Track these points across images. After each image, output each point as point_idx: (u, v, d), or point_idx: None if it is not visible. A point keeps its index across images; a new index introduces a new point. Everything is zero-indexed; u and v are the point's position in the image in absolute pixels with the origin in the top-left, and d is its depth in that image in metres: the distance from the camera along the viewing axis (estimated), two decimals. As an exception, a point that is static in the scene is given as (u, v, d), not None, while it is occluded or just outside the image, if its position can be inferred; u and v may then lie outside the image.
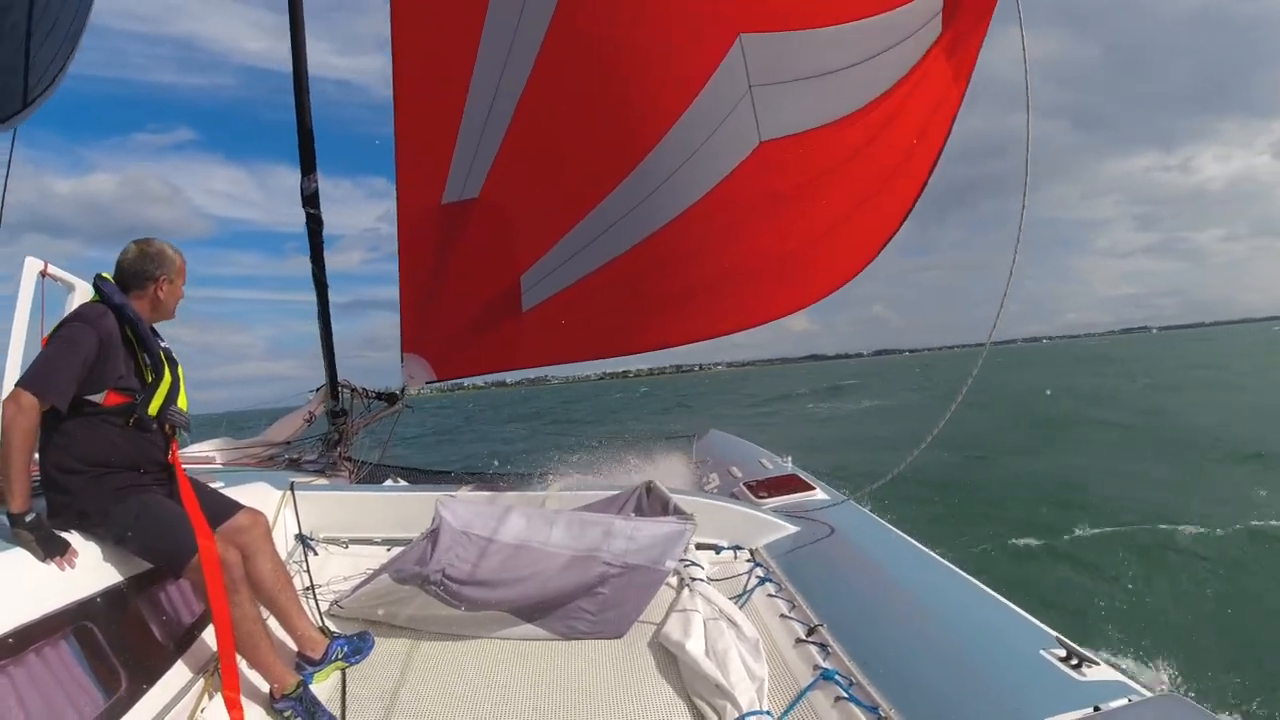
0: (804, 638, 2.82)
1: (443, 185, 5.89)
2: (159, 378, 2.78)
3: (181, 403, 2.93)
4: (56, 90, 3.75)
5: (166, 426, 2.88)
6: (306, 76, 5.23)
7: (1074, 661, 2.25)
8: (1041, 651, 2.34)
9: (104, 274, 2.87)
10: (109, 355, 2.63)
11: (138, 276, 2.87)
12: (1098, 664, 2.25)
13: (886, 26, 4.69)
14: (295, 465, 5.79)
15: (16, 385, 2.46)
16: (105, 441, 2.66)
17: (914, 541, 3.72)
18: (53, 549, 2.41)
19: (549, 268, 6.08)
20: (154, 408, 2.76)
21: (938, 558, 3.49)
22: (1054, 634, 2.48)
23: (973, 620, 2.74)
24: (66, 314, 3.86)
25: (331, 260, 5.90)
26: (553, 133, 5.45)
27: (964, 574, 3.19)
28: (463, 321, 6.59)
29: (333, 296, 6.05)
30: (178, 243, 2.95)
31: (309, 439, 6.49)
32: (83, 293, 4.04)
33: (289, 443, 6.32)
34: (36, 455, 2.57)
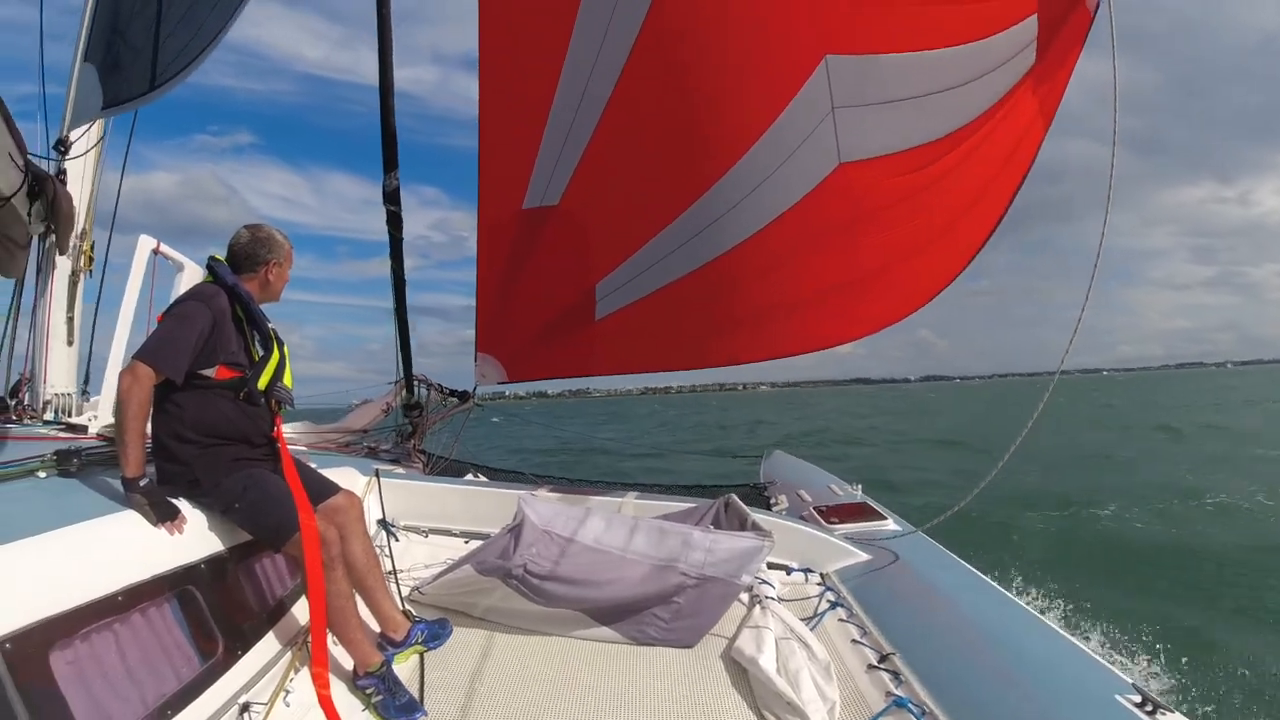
0: (876, 664, 2.79)
1: (524, 190, 5.98)
2: (268, 354, 2.91)
3: (287, 380, 3.07)
4: (187, 77, 3.90)
5: (273, 402, 3.01)
6: (392, 79, 5.32)
7: (1149, 708, 2.20)
8: (1117, 696, 2.30)
9: (216, 255, 3.00)
10: (221, 332, 2.76)
11: (249, 259, 3.00)
12: (1171, 711, 2.20)
13: (978, 54, 4.63)
14: (372, 453, 5.93)
15: (134, 357, 2.59)
16: (216, 413, 2.78)
17: (986, 578, 3.67)
18: (164, 514, 2.53)
19: (624, 278, 6.12)
20: (263, 382, 2.89)
21: (1011, 596, 3.45)
22: (1129, 680, 2.44)
23: (1047, 659, 2.70)
24: (175, 290, 4.06)
25: (383, 266, 6.04)
26: (635, 145, 5.49)
27: (1036, 614, 3.15)
28: (536, 326, 6.67)
29: (380, 302, 6.18)
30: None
31: (385, 429, 6.65)
32: (190, 271, 4.23)
33: (366, 431, 6.49)
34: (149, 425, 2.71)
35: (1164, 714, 2.18)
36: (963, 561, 3.95)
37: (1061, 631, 2.95)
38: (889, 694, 2.57)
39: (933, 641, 2.94)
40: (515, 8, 5.22)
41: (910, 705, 2.44)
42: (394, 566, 3.78)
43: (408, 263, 5.83)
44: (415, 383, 6.60)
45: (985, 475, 3.83)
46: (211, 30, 3.69)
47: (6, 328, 4.22)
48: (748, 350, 6.38)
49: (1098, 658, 2.69)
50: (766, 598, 3.32)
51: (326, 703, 2.47)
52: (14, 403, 4.14)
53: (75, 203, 4.11)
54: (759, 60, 4.91)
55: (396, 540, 4.10)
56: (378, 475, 4.31)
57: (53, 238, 4.05)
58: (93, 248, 4.45)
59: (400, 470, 4.94)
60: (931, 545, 4.20)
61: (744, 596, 3.43)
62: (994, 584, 3.58)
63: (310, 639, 2.62)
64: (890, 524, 4.51)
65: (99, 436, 3.59)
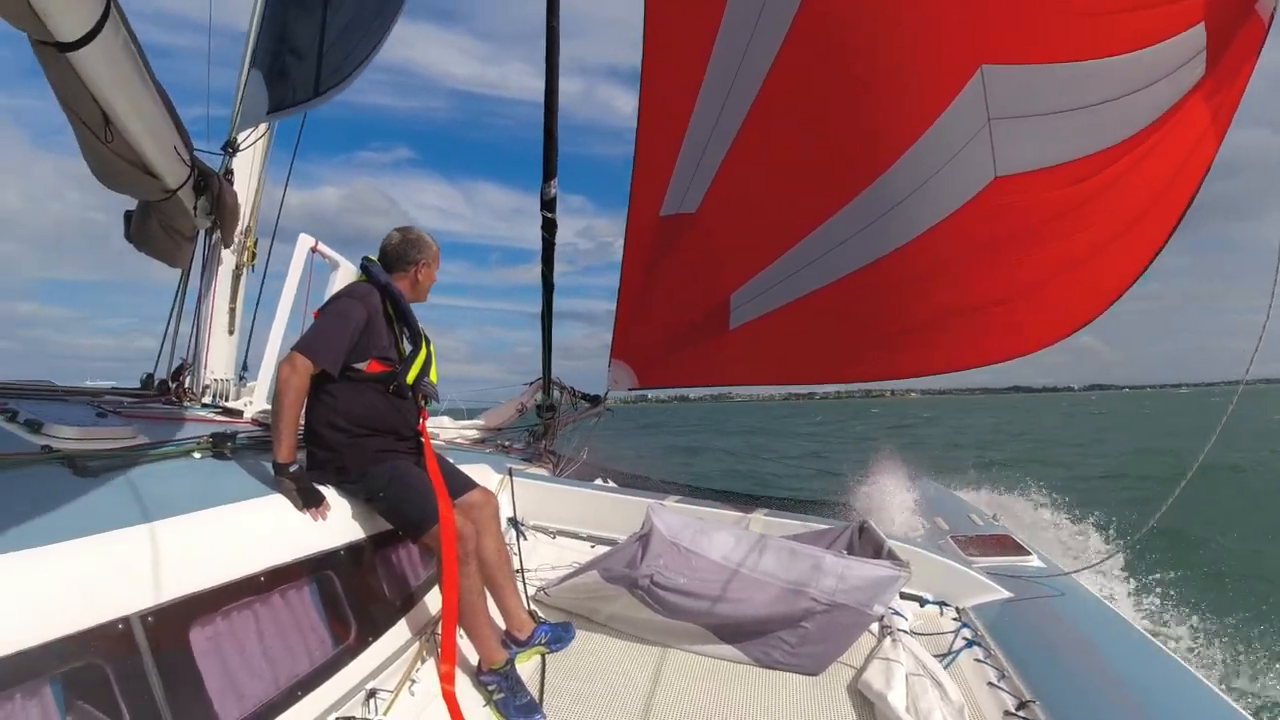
0: (1013, 711, 2.60)
1: (662, 197, 5.98)
2: (416, 350, 3.02)
3: (433, 376, 3.17)
4: (350, 84, 4.07)
5: (420, 396, 3.12)
6: (557, 90, 5.42)
7: None
8: None
9: (370, 256, 3.13)
10: (374, 328, 2.88)
11: (400, 260, 3.11)
12: None
13: (1140, 64, 4.35)
14: (504, 452, 6.02)
15: (293, 350, 2.73)
16: (367, 405, 2.89)
17: (1140, 628, 3.36)
18: (310, 500, 2.62)
19: (761, 288, 6.04)
20: (411, 377, 2.99)
21: (1165, 649, 3.13)
22: None
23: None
24: (330, 286, 4.24)
25: (531, 272, 6.17)
26: (777, 153, 5.41)
27: (1194, 670, 2.84)
28: (670, 333, 6.67)
29: (526, 306, 6.30)
30: None
31: (518, 429, 6.77)
32: (345, 270, 4.40)
33: (500, 429, 6.61)
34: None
35: None
36: (1118, 610, 3.65)
37: (1222, 695, 2.62)
38: None
39: (1077, 692, 2.69)
40: (674, 17, 5.24)
41: None
42: (521, 565, 3.80)
43: (555, 269, 5.95)
44: (552, 385, 6.69)
45: (1158, 508, 3.49)
46: (370, 42, 3.82)
47: (172, 314, 4.50)
48: (887, 367, 6.19)
49: None
50: (898, 630, 3.15)
51: (449, 696, 2.48)
52: (174, 385, 4.40)
53: (240, 201, 4.34)
54: (908, 70, 4.77)
55: (525, 539, 4.13)
56: (510, 474, 4.36)
57: (218, 233, 4.30)
58: (255, 244, 4.71)
59: (532, 470, 4.99)
60: (1082, 589, 3.89)
61: (874, 626, 3.27)
62: (1150, 637, 3.27)
63: (440, 631, 2.66)
64: (1034, 560, 4.21)
65: (253, 421, 3.78)
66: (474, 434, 6.29)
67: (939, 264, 5.37)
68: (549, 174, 5.58)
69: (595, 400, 7.08)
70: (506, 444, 6.39)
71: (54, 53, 1.87)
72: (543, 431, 6.63)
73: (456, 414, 6.49)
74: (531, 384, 6.82)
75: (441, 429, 6.00)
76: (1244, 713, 2.50)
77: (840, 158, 5.24)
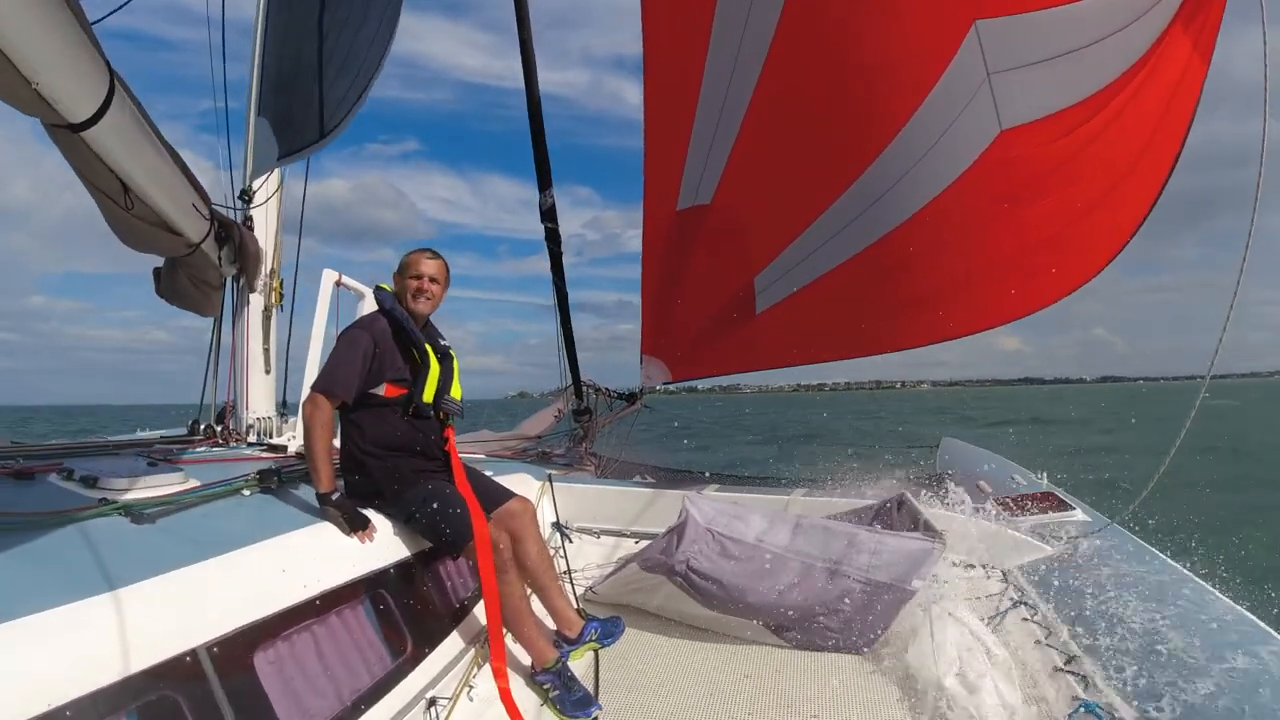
0: (1061, 667, 2.62)
1: (677, 192, 6.03)
2: (425, 367, 3.08)
3: (455, 393, 3.24)
4: (351, 121, 4.21)
5: (441, 414, 3.20)
6: (539, 103, 5.43)
7: None
8: None
9: (382, 285, 3.24)
10: (384, 352, 2.99)
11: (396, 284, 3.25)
12: None
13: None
14: (546, 459, 6.13)
15: (312, 388, 2.89)
16: (389, 429, 3.01)
17: (1190, 573, 3.33)
18: (356, 524, 2.76)
19: (782, 270, 6.05)
20: (428, 396, 3.08)
21: (1216, 592, 3.09)
22: None
23: (1253, 665, 2.41)
24: (357, 316, 4.39)
25: (540, 264, 6.15)
26: (784, 135, 5.43)
27: (1246, 612, 2.81)
28: (698, 325, 6.71)
29: (536, 299, 6.34)
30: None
31: (557, 434, 6.88)
32: (370, 300, 4.54)
33: (540, 437, 6.73)
34: (338, 442, 2.97)
35: None
36: (1161, 554, 3.60)
37: (1275, 633, 2.59)
38: (1075, 699, 2.41)
39: (1126, 643, 2.69)
40: (672, 13, 5.29)
41: (1099, 710, 2.28)
42: (568, 567, 3.91)
43: (563, 259, 5.93)
44: (584, 388, 6.77)
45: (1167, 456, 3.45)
46: (365, 77, 3.95)
47: (210, 360, 4.69)
48: (914, 334, 6.18)
49: None
50: (944, 598, 3.15)
51: (507, 697, 2.58)
52: (220, 428, 4.59)
53: (262, 244, 4.50)
54: (905, 34, 4.78)
55: (570, 542, 4.23)
56: (550, 480, 4.47)
57: (244, 278, 4.46)
58: (281, 284, 4.86)
59: (572, 474, 5.10)
60: (1126, 537, 3.86)
61: (921, 598, 3.29)
62: (1201, 581, 3.22)
63: (489, 637, 2.77)
64: (1079, 514, 4.17)
65: (297, 456, 3.93)
66: (517, 444, 6.42)
67: (953, 226, 5.36)
68: (544, 184, 5.61)
69: (632, 399, 7.14)
70: (548, 451, 6.50)
71: (67, 134, 2.00)
72: (582, 435, 6.72)
73: (480, 409, 6.57)
74: (565, 389, 6.90)
75: (482, 443, 6.12)
76: None
77: (845, 135, 5.26)
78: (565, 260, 5.88)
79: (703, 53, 5.27)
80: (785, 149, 5.49)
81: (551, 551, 4.00)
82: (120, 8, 3.67)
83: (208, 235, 3.37)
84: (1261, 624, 2.69)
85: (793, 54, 4.99)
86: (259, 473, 3.03)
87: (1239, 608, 2.87)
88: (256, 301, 4.68)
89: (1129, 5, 4.36)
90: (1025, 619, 3.06)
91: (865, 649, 3.08)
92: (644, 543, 4.11)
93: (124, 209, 2.56)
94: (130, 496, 2.48)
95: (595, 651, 3.15)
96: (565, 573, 3.84)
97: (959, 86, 4.77)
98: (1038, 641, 2.85)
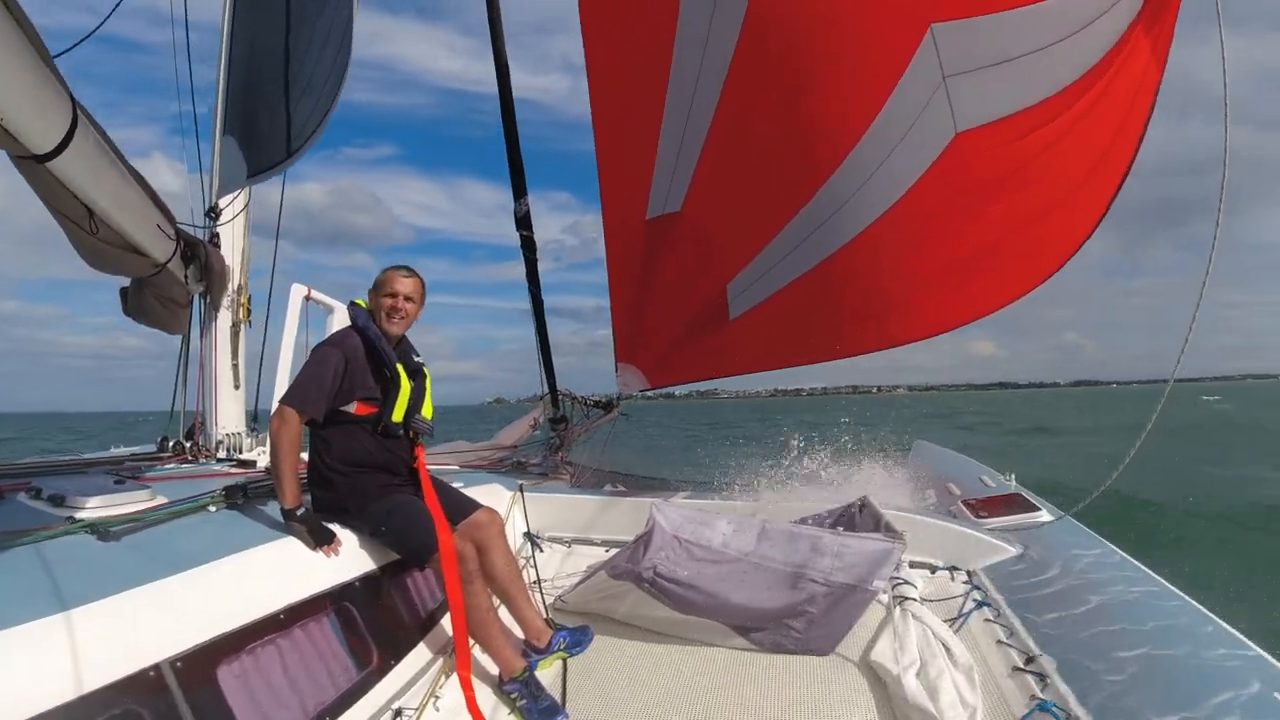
0: (1021, 666, 2.67)
1: (645, 201, 6.08)
2: (395, 387, 3.10)
3: (426, 411, 3.26)
4: (317, 141, 4.23)
5: (411, 433, 3.23)
6: (514, 112, 5.44)
7: None
8: (1277, 694, 2.12)
9: (358, 300, 3.26)
10: (355, 370, 3.01)
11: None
12: None
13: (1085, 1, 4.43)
14: (521, 468, 6.15)
15: (279, 402, 2.89)
16: (359, 446, 3.04)
17: (1146, 569, 3.41)
18: (321, 538, 2.80)
19: (753, 276, 6.10)
20: (398, 414, 3.10)
21: (1170, 586, 3.17)
22: None
23: (1206, 658, 2.47)
24: (327, 332, 4.42)
25: (516, 269, 6.16)
26: (750, 143, 5.48)
27: (1199, 605, 2.89)
28: (673, 332, 6.74)
29: (514, 304, 6.36)
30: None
31: (533, 444, 6.90)
32: (340, 313, 4.57)
33: (515, 447, 6.76)
34: (305, 456, 3.00)
35: None
36: (1118, 550, 3.66)
37: (1228, 627, 2.68)
38: (1033, 698, 2.46)
39: (1084, 641, 2.73)
40: (617, 25, 5.34)
41: (1054, 709, 2.33)
42: (538, 577, 3.95)
43: (541, 265, 5.96)
44: (560, 397, 6.80)
45: (1126, 456, 3.54)
46: (330, 94, 3.98)
47: (178, 377, 4.71)
48: (881, 337, 6.25)
49: (1268, 656, 2.43)
50: (908, 599, 3.22)
51: (473, 706, 2.63)
52: (189, 444, 4.60)
53: (229, 262, 4.53)
54: (862, 41, 4.83)
55: (541, 551, 4.28)
56: (521, 490, 4.52)
57: (210, 296, 4.49)
58: (249, 300, 4.88)
59: (543, 484, 5.13)
60: (1090, 536, 3.92)
61: (883, 598, 3.32)
62: (1156, 576, 3.29)
63: (455, 647, 2.81)
64: (1044, 515, 4.25)
65: (265, 471, 3.95)
66: (491, 455, 6.44)
67: (914, 229, 5.42)
68: (518, 192, 5.63)
69: (608, 407, 7.18)
70: (523, 460, 6.53)
71: (31, 165, 2.04)
72: (558, 444, 6.75)
73: (457, 415, 6.60)
74: (541, 398, 6.94)
75: (456, 454, 6.15)
76: (1249, 643, 2.55)
77: (809, 141, 5.30)
78: (543, 265, 5.93)
79: (667, 58, 5.32)
80: (751, 158, 5.53)
81: (523, 562, 4.05)
82: (80, 42, 3.71)
83: (173, 255, 3.40)
84: (1207, 612, 2.80)
85: (753, 63, 5.03)
86: (225, 489, 3.06)
87: (1189, 600, 2.97)
88: (224, 318, 4.70)
89: (1084, 8, 4.45)
90: (988, 620, 3.12)
91: (829, 650, 3.12)
92: (615, 551, 4.15)
93: (89, 233, 2.60)
94: (97, 514, 2.52)
95: (564, 660, 3.18)
96: (536, 582, 3.88)
97: (916, 90, 4.83)
98: (999, 641, 2.91)
